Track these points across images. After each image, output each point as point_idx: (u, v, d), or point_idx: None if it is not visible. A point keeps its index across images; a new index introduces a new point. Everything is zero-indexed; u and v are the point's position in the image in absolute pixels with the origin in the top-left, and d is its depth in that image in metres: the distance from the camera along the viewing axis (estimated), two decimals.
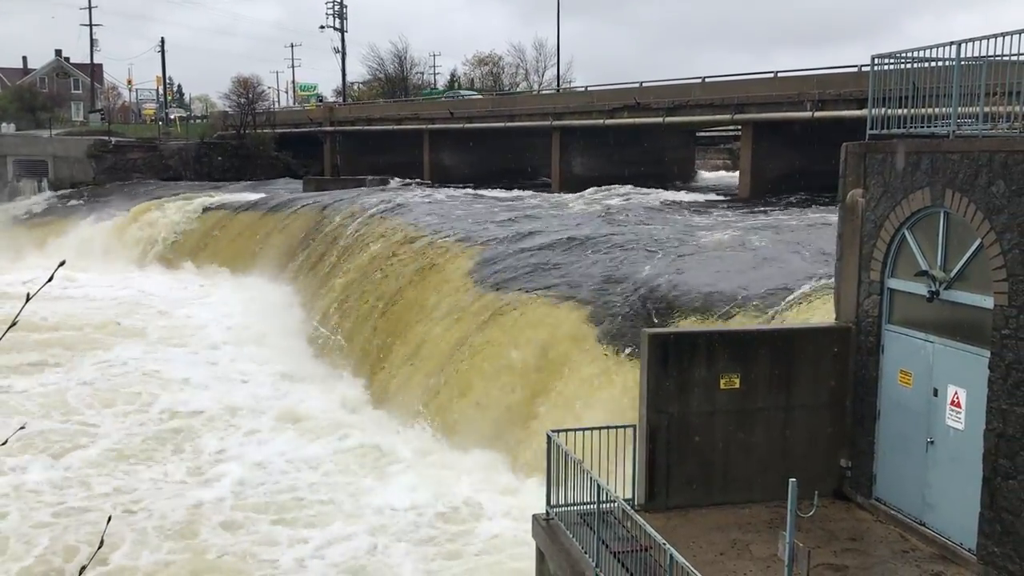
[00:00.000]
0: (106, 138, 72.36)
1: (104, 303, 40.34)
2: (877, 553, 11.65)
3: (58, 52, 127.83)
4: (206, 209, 52.42)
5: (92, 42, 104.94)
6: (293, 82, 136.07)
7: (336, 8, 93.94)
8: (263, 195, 53.78)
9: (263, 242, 44.43)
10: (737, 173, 49.20)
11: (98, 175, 67.97)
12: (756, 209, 36.42)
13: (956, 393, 11.40)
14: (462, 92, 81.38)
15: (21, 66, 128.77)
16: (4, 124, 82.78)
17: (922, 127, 12.02)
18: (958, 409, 11.38)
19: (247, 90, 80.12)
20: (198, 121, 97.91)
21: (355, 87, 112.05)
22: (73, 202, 62.34)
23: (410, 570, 15.79)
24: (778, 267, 20.46)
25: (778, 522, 11.69)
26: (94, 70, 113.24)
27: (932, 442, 11.78)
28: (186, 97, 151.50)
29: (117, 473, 20.74)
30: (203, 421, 24.26)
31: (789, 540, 7.17)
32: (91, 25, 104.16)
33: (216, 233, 49.21)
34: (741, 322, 17.02)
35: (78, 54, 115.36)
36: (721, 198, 43.72)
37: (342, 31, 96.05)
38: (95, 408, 25.47)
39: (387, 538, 16.93)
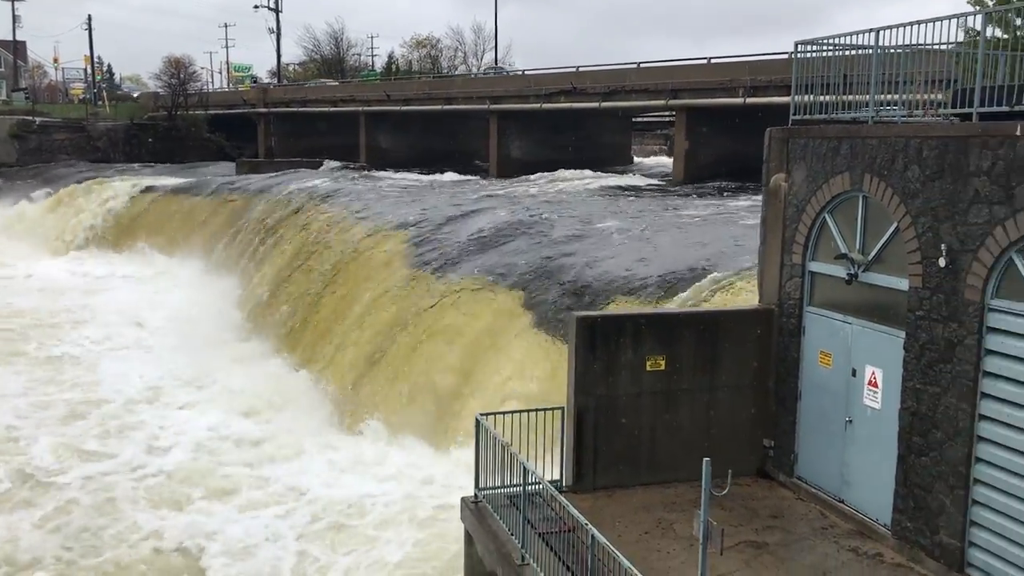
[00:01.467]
0: (30, 118, 70.15)
1: (25, 288, 39.16)
2: (797, 530, 11.91)
3: None
4: (136, 192, 51.16)
5: (14, 18, 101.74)
6: (227, 63, 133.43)
7: None
8: (193, 179, 52.71)
9: (192, 226, 43.58)
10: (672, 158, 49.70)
11: (21, 156, 65.94)
12: (689, 193, 36.85)
13: (873, 373, 11.68)
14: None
15: None
16: None
17: (844, 113, 12.25)
18: (875, 389, 11.67)
19: (179, 70, 78.42)
20: (132, 102, 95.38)
21: (291, 68, 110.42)
22: None
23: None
24: (707, 250, 20.73)
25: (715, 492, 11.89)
26: (17, 47, 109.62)
27: (850, 421, 12.07)
28: (117, 77, 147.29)
29: None
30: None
31: (704, 519, 7.29)
32: (12, 1, 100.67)
33: (144, 217, 48.11)
34: (666, 305, 17.23)
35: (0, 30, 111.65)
36: (656, 183, 44.12)
37: (276, 11, 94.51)
38: None
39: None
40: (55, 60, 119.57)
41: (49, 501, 18.29)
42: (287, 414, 22.26)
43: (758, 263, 13.96)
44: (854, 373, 11.98)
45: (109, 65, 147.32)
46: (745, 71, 39.74)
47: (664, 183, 43.96)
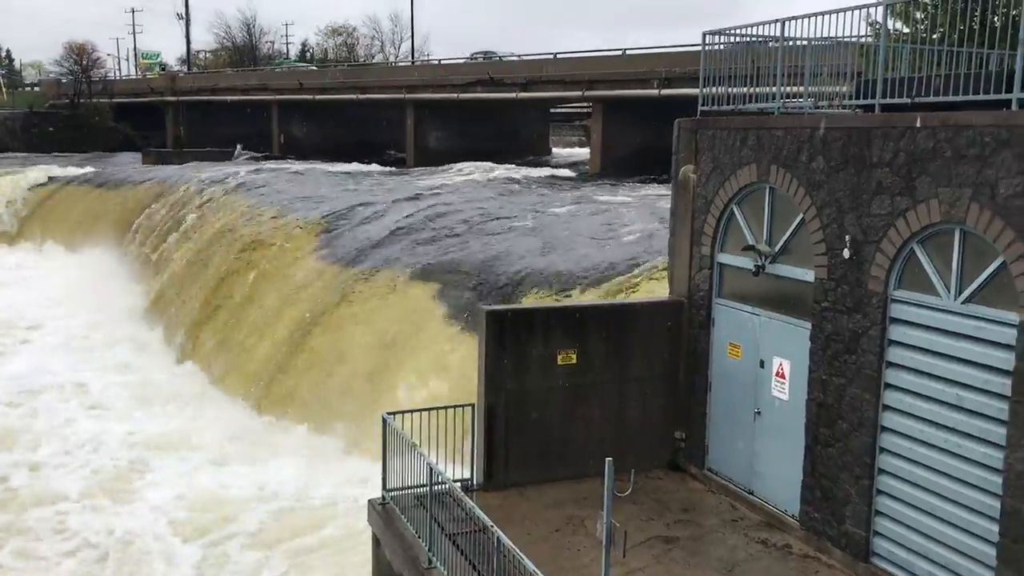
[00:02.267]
0: None
1: None
2: (708, 523, 11.87)
3: None
4: (34, 184, 48.99)
5: None
6: (135, 49, 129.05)
7: None
8: (93, 169, 50.73)
9: (93, 218, 41.92)
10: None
11: None
12: (603, 184, 36.94)
13: (781, 364, 11.69)
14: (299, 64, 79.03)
15: None
16: None
17: (751, 105, 12.22)
18: (783, 380, 11.69)
19: (81, 57, 75.54)
20: (29, 89, 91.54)
21: (201, 56, 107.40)
22: None
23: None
24: (617, 243, 20.70)
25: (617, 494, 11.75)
26: None
27: (759, 413, 12.08)
28: (17, 63, 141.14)
29: None
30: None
31: (606, 521, 7.08)
32: None
33: (44, 209, 46.10)
34: (580, 298, 17.12)
35: None
36: (572, 174, 44.15)
37: None
38: None
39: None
40: None
41: None
42: (188, 411, 21.55)
43: (668, 255, 13.88)
44: (762, 364, 11.99)
45: (8, 51, 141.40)
46: (661, 63, 40.01)
47: (578, 174, 43.99)
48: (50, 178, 49.44)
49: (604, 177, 41.27)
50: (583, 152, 63.70)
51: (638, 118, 43.21)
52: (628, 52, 42.80)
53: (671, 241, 13.70)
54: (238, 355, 23.52)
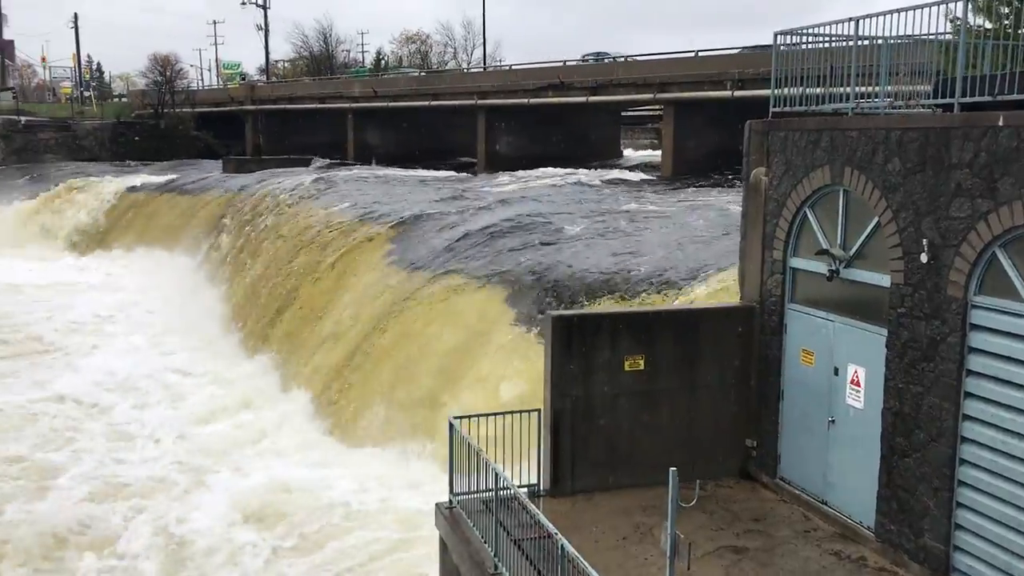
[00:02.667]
0: (15, 117, 69.56)
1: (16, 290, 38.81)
2: (779, 534, 11.60)
3: None
4: (120, 192, 50.74)
5: (0, 17, 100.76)
6: (216, 60, 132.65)
7: None
8: (175, 176, 52.30)
9: (175, 224, 43.19)
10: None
11: (7, 156, 65.40)
12: (676, 188, 36.53)
13: (856, 372, 11.37)
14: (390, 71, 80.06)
15: None
16: None
17: (825, 105, 11.93)
18: (858, 388, 11.36)
19: (165, 68, 77.88)
20: (115, 100, 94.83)
21: (279, 65, 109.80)
22: None
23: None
24: (693, 247, 20.42)
25: (682, 502, 11.58)
26: (4, 47, 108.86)
27: (833, 421, 11.76)
28: (107, 76, 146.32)
29: None
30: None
31: (671, 532, 6.95)
32: None
33: (128, 216, 47.70)
34: (650, 303, 16.92)
35: None
36: (642, 177, 43.78)
37: (264, 7, 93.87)
38: None
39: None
40: (43, 59, 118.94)
41: None
42: (264, 412, 21.98)
43: (739, 259, 13.64)
44: (836, 372, 11.67)
45: (99, 64, 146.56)
46: (734, 64, 39.41)
47: (651, 177, 43.60)
48: (136, 186, 51.10)
49: (676, 180, 40.81)
50: (655, 155, 63.11)
51: (711, 120, 42.62)
52: (701, 54, 42.29)
53: (742, 245, 13.46)
54: (309, 357, 23.92)
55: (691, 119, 43.15)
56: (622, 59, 46.06)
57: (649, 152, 69.03)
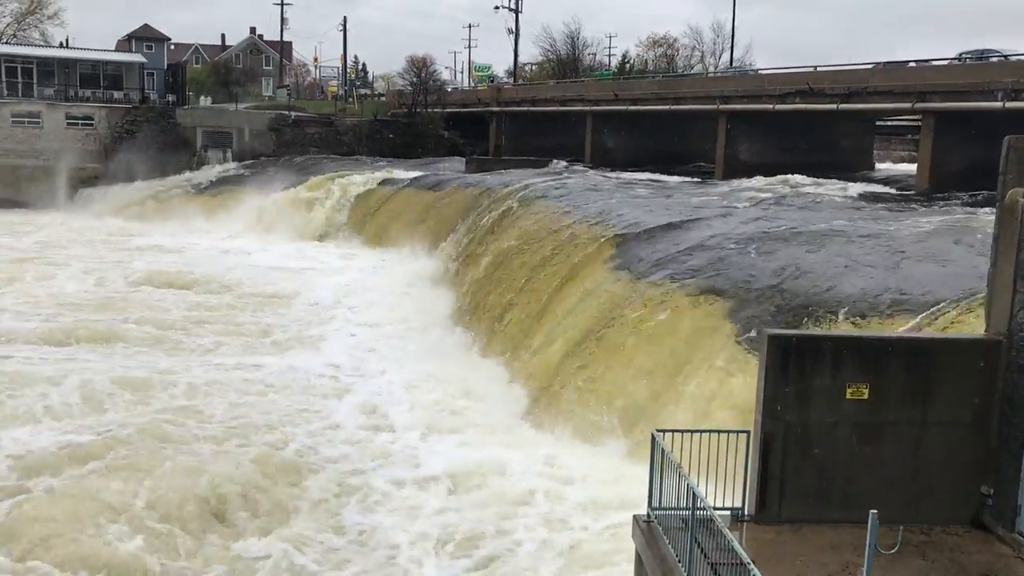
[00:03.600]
0: (287, 112, 75.87)
1: (266, 271, 42.40)
2: None
3: (252, 30, 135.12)
4: (372, 186, 54.18)
5: (282, 20, 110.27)
6: (469, 63, 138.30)
7: None
8: (422, 173, 55.02)
9: (419, 218, 45.49)
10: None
11: (277, 148, 71.38)
12: (932, 205, 33.91)
13: None
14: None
15: (220, 43, 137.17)
16: (202, 97, 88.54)
17: None
18: None
19: (420, 69, 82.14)
20: (376, 99, 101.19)
21: (527, 68, 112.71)
22: (255, 173, 65.56)
23: None
24: (935, 270, 18.84)
25: (900, 546, 10.71)
26: (283, 47, 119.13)
27: None
28: (370, 76, 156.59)
29: None
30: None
31: None
32: (282, 4, 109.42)
33: (378, 210, 50.80)
34: (879, 327, 15.76)
35: (271, 32, 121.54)
36: (895, 191, 41.01)
37: (516, 11, 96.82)
38: None
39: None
40: (315, 60, 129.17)
41: None
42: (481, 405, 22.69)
43: (987, 288, 12.41)
44: None
45: (364, 64, 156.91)
46: (1007, 72, 36.02)
47: (902, 191, 40.76)
48: (385, 180, 54.33)
49: (932, 196, 37.88)
50: (910, 168, 58.94)
51: (976, 133, 39.16)
52: (967, 60, 38.96)
53: (990, 272, 12.23)
54: (529, 359, 24.36)
55: (953, 131, 39.88)
56: (1007, 56, 42.15)
57: (904, 165, 64.65)
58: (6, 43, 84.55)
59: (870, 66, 44.31)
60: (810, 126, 51.23)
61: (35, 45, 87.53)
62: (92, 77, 73.60)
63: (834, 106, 44.64)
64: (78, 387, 22.97)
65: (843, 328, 16.35)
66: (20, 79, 70.47)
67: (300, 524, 16.89)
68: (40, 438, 19.61)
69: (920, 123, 44.18)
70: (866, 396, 11.92)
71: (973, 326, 14.19)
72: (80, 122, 68.37)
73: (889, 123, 64.90)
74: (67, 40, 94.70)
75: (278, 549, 15.78)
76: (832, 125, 51.95)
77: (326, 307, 34.97)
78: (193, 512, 16.62)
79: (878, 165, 60.88)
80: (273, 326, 31.60)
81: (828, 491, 12.08)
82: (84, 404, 22.11)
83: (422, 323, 31.75)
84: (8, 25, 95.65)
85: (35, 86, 70.81)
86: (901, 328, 15.60)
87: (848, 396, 11.92)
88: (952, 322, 15.25)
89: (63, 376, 23.75)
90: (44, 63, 72.50)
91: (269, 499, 17.57)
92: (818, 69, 47.19)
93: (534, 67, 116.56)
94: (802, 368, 11.85)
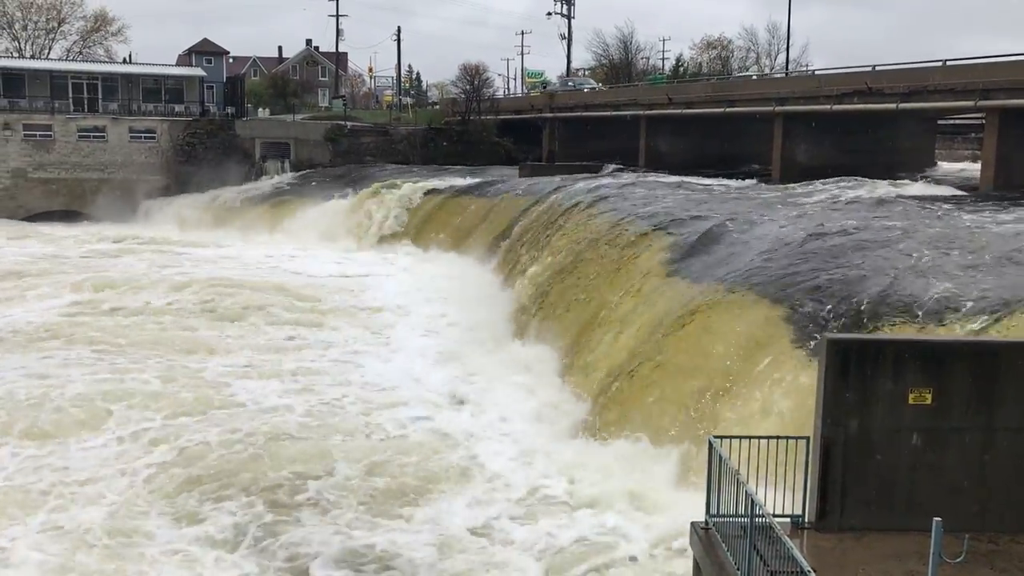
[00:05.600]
0: (342, 123, 76.85)
1: (323, 279, 43.02)
2: None
3: (308, 42, 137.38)
4: (426, 193, 54.66)
5: (337, 32, 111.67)
6: (522, 69, 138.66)
7: None
8: (476, 180, 55.33)
9: (471, 225, 45.75)
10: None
11: (334, 157, 72.36)
12: (996, 206, 33.03)
13: None
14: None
15: (277, 56, 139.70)
16: (260, 109, 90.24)
17: None
18: None
19: (473, 77, 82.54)
20: (430, 108, 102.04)
21: (580, 73, 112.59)
22: (312, 182, 66.45)
23: None
24: (998, 274, 18.34)
25: (967, 555, 10.44)
26: (339, 59, 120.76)
27: None
28: (424, 84, 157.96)
29: None
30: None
31: None
32: (337, 16, 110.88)
33: (432, 216, 51.23)
34: (944, 331, 15.37)
35: (327, 43, 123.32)
36: (957, 192, 40.04)
37: (568, 17, 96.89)
38: None
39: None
40: (370, 70, 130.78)
41: None
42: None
43: None
44: None
45: (418, 73, 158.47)
46: None
47: (966, 192, 39.78)
48: (439, 188, 54.78)
49: (998, 197, 36.88)
50: (974, 167, 57.50)
51: None
52: None
53: None
54: (585, 364, 24.32)
55: (1019, 129, 38.82)
56: (938, 63, 42.29)
57: (967, 164, 63.07)
58: (72, 60, 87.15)
59: (930, 64, 43.36)
60: (869, 126, 50.31)
61: (100, 61, 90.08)
62: (154, 91, 75.42)
63: (893, 106, 43.78)
64: None
65: (907, 332, 15.96)
66: (86, 95, 72.49)
67: None
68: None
69: (984, 121, 43.14)
70: (930, 401, 11.67)
71: None
72: (143, 135, 70.17)
73: (951, 122, 63.44)
74: (130, 55, 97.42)
75: None
76: (892, 125, 50.95)
77: (381, 311, 35.37)
78: None
79: (941, 164, 59.50)
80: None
81: (891, 498, 11.86)
82: None
83: (476, 328, 31.92)
84: (75, 43, 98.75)
85: (100, 101, 72.76)
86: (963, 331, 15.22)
87: (911, 401, 11.70)
88: None
89: None
90: (108, 78, 74.45)
91: None
92: (876, 68, 46.32)
93: (587, 72, 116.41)
94: (863, 373, 11.65)
